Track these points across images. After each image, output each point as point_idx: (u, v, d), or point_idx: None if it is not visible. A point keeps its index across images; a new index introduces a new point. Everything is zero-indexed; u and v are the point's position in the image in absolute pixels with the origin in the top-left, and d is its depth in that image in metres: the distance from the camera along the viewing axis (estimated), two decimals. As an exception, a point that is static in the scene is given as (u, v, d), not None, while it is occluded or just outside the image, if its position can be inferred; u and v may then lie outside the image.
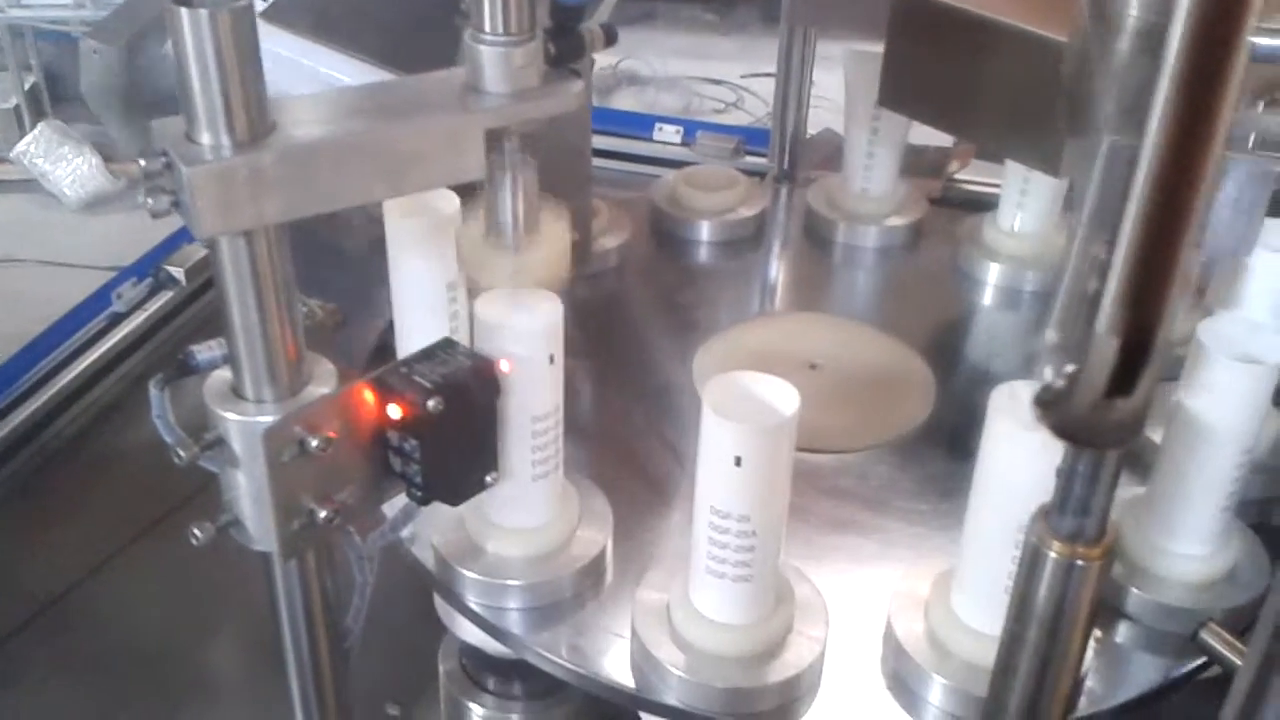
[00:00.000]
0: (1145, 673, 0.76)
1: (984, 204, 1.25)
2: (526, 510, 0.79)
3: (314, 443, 0.62)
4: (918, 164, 1.37)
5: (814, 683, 0.73)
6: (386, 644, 0.90)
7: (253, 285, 0.60)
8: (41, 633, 1.12)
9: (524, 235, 0.70)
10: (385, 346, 0.93)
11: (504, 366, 0.71)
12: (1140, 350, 0.37)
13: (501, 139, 0.66)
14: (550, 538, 0.79)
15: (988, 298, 1.16)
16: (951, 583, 0.74)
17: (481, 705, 0.93)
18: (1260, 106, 0.56)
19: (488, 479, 0.72)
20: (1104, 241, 0.36)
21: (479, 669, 0.94)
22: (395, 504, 0.74)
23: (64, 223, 2.82)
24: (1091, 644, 0.65)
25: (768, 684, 0.71)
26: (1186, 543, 0.77)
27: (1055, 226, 1.15)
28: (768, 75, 1.37)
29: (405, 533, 0.80)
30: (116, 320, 1.39)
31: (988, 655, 0.60)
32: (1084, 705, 0.72)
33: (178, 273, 1.40)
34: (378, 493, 0.69)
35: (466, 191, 0.77)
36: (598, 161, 1.33)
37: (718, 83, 3.34)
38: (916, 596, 0.76)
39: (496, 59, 0.63)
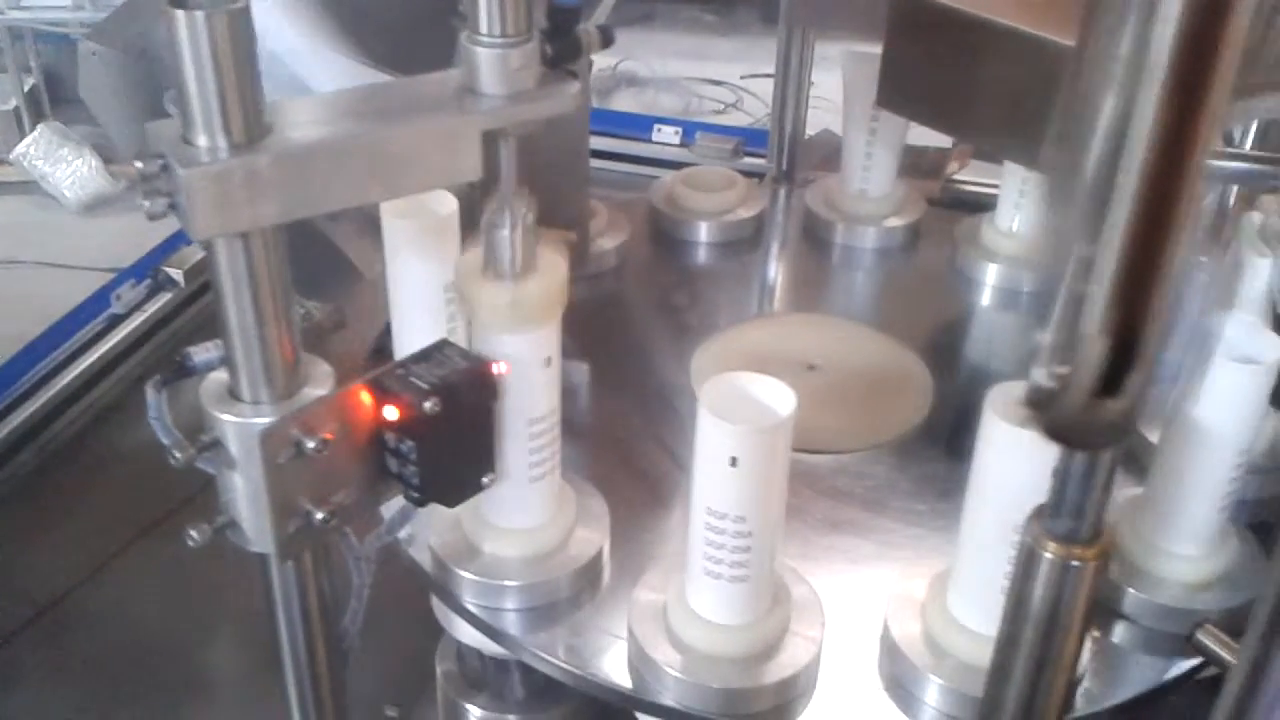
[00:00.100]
0: (1142, 673, 0.76)
1: (982, 205, 1.25)
2: (523, 511, 0.79)
3: (311, 444, 0.62)
4: (916, 165, 1.37)
5: (810, 683, 0.73)
6: (384, 645, 0.90)
7: (249, 287, 0.60)
8: (41, 633, 1.13)
9: (522, 267, 0.70)
10: (383, 348, 0.93)
11: (500, 368, 0.71)
12: (1129, 351, 0.37)
13: (498, 143, 0.66)
14: (547, 538, 0.79)
15: (986, 298, 1.16)
16: (948, 583, 0.74)
17: (479, 706, 0.93)
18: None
19: (484, 480, 0.72)
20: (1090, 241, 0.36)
21: (476, 670, 0.94)
22: (393, 505, 0.74)
23: (64, 224, 2.83)
24: (1088, 644, 0.66)
25: (764, 684, 0.71)
26: (1183, 543, 0.77)
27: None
28: (767, 76, 1.37)
29: (402, 534, 0.80)
30: (115, 322, 1.39)
31: (984, 656, 0.60)
32: (1081, 705, 0.72)
33: (176, 274, 1.40)
34: (375, 494, 0.69)
35: (467, 222, 0.78)
36: (597, 163, 1.34)
37: (717, 84, 3.34)
38: (913, 597, 0.76)
39: (493, 60, 0.63)
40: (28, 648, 1.12)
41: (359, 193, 0.62)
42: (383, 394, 0.65)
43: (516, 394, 0.72)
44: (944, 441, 0.96)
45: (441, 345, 0.69)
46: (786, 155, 1.34)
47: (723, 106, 3.26)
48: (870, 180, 1.23)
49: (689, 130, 1.64)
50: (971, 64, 0.84)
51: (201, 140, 0.56)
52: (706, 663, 0.72)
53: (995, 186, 1.20)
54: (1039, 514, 0.52)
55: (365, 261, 1.04)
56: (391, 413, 0.65)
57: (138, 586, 1.17)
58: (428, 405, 0.64)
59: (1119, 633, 0.78)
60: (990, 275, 1.16)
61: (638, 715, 0.77)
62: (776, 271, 1.26)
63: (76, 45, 1.23)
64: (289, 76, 1.07)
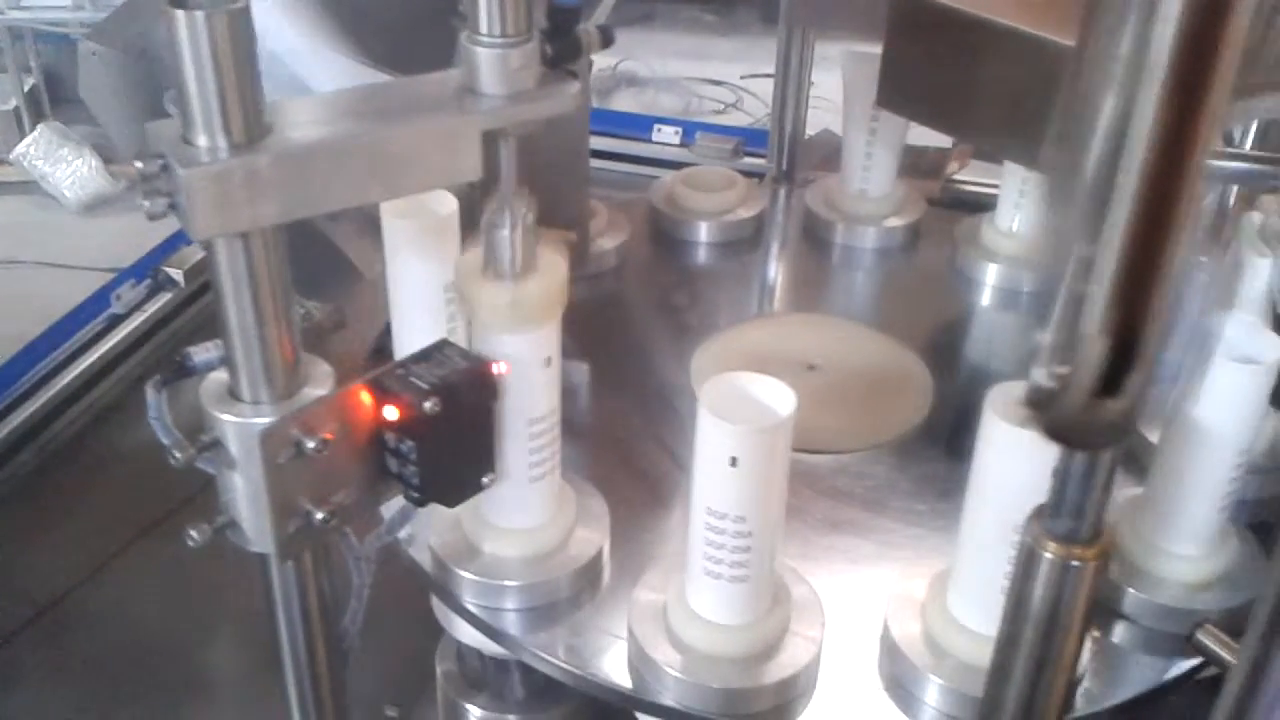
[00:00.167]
0: (1142, 673, 0.76)
1: (982, 205, 1.25)
2: (523, 511, 0.79)
3: (311, 444, 0.62)
4: (916, 165, 1.37)
5: (810, 683, 0.73)
6: (384, 645, 0.90)
7: (249, 287, 0.60)
8: (41, 633, 1.13)
9: (522, 267, 0.70)
10: (384, 348, 0.93)
11: (500, 368, 0.71)
12: (1129, 351, 0.37)
13: (498, 143, 0.66)
14: (547, 538, 0.79)
15: (986, 298, 1.16)
16: (948, 583, 0.74)
17: (479, 707, 0.93)
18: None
19: (484, 480, 0.72)
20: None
21: (476, 670, 0.94)
22: (393, 506, 0.74)
23: (64, 224, 2.83)
24: (1088, 644, 0.65)
25: (764, 684, 0.71)
26: (1183, 543, 0.77)
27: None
28: (767, 76, 1.37)
29: (402, 534, 0.80)
30: (115, 322, 1.39)
31: (984, 656, 0.60)
32: (1081, 705, 0.72)
33: (176, 274, 1.40)
34: (375, 494, 0.69)
35: (467, 222, 0.77)
36: (597, 163, 1.34)
37: (717, 83, 3.34)
38: (913, 597, 0.76)
39: (493, 60, 0.63)
40: (28, 648, 1.12)
41: (359, 193, 0.62)
42: (383, 394, 0.65)
43: (516, 394, 0.72)
44: (944, 441, 0.96)
45: (441, 345, 0.69)
46: (786, 155, 1.34)
47: (723, 106, 3.26)
48: (870, 180, 1.23)
49: (689, 130, 1.64)
50: (971, 64, 0.84)
51: (201, 140, 0.56)
52: (706, 663, 0.72)
53: (995, 186, 1.20)
54: (1039, 514, 0.52)
55: (365, 262, 1.04)
56: (391, 413, 0.65)
57: (138, 586, 1.17)
58: (428, 405, 0.64)
59: (1119, 633, 0.78)
60: (990, 275, 1.16)
61: (638, 715, 0.77)
62: (776, 271, 1.26)
63: (76, 45, 1.23)
64: (289, 76, 1.07)
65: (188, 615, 1.15)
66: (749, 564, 0.69)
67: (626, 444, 0.96)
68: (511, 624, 0.78)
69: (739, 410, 0.66)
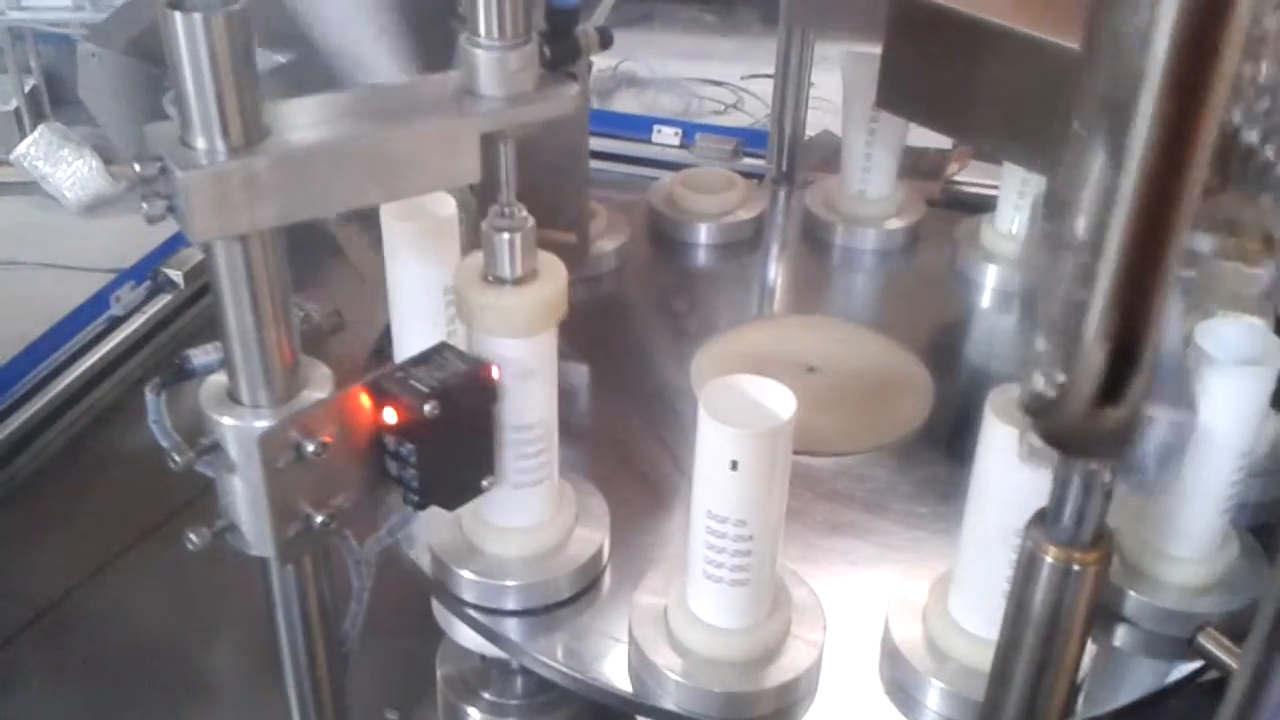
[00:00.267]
0: (1143, 677, 0.76)
1: (982, 206, 1.25)
2: (523, 511, 0.79)
3: (310, 447, 0.62)
4: (916, 166, 1.37)
5: (811, 687, 0.73)
6: (384, 648, 0.90)
7: (248, 289, 0.60)
8: (40, 637, 1.12)
9: (521, 274, 0.70)
10: (383, 351, 0.93)
11: (498, 372, 0.70)
12: (1129, 358, 0.37)
13: (497, 145, 0.66)
14: (547, 538, 0.79)
15: (986, 300, 1.16)
16: (949, 586, 0.74)
17: (479, 710, 0.92)
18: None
19: (484, 483, 0.72)
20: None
21: (477, 673, 0.94)
22: (392, 508, 0.74)
23: (64, 225, 2.83)
24: (1089, 648, 0.65)
25: (765, 688, 0.71)
26: (1185, 546, 0.77)
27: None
28: (767, 76, 1.37)
29: (401, 536, 0.80)
30: (115, 324, 1.38)
31: (985, 659, 0.60)
32: (1081, 709, 0.72)
33: (176, 276, 1.40)
34: (374, 497, 0.69)
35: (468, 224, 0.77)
36: (597, 164, 1.34)
37: (717, 84, 3.34)
38: (914, 600, 0.76)
39: (492, 63, 0.63)
40: (28, 649, 1.11)
41: (358, 195, 0.62)
42: (382, 397, 0.65)
43: (515, 398, 0.72)
44: (945, 444, 0.95)
45: (441, 348, 0.69)
46: (786, 156, 1.34)
47: (723, 107, 3.26)
48: (870, 181, 1.23)
49: (689, 131, 1.64)
50: (971, 65, 0.84)
51: (200, 142, 0.56)
52: (707, 666, 0.72)
53: (995, 188, 1.20)
54: (1039, 518, 0.52)
55: (371, 268, 1.04)
56: (391, 416, 0.65)
57: (138, 588, 1.16)
58: (427, 408, 0.64)
59: (1120, 636, 0.78)
60: (990, 277, 1.16)
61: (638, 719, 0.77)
62: (776, 273, 1.26)
63: (77, 46, 1.23)
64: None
65: (188, 617, 1.15)
66: (750, 567, 0.69)
67: (626, 446, 0.95)
68: (512, 628, 0.78)
69: (739, 413, 0.66)
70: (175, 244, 1.44)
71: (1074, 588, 0.52)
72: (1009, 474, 0.66)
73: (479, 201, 0.72)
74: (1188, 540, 0.77)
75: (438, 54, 0.92)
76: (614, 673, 0.75)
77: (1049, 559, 0.52)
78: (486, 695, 0.93)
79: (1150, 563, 0.78)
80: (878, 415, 0.99)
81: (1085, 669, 0.71)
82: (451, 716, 0.94)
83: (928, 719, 0.72)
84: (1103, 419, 0.38)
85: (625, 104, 3.24)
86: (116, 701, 1.09)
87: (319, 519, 0.64)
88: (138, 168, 0.56)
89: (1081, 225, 0.37)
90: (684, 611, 0.73)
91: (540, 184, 0.71)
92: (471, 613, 0.79)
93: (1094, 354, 0.37)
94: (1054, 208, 0.47)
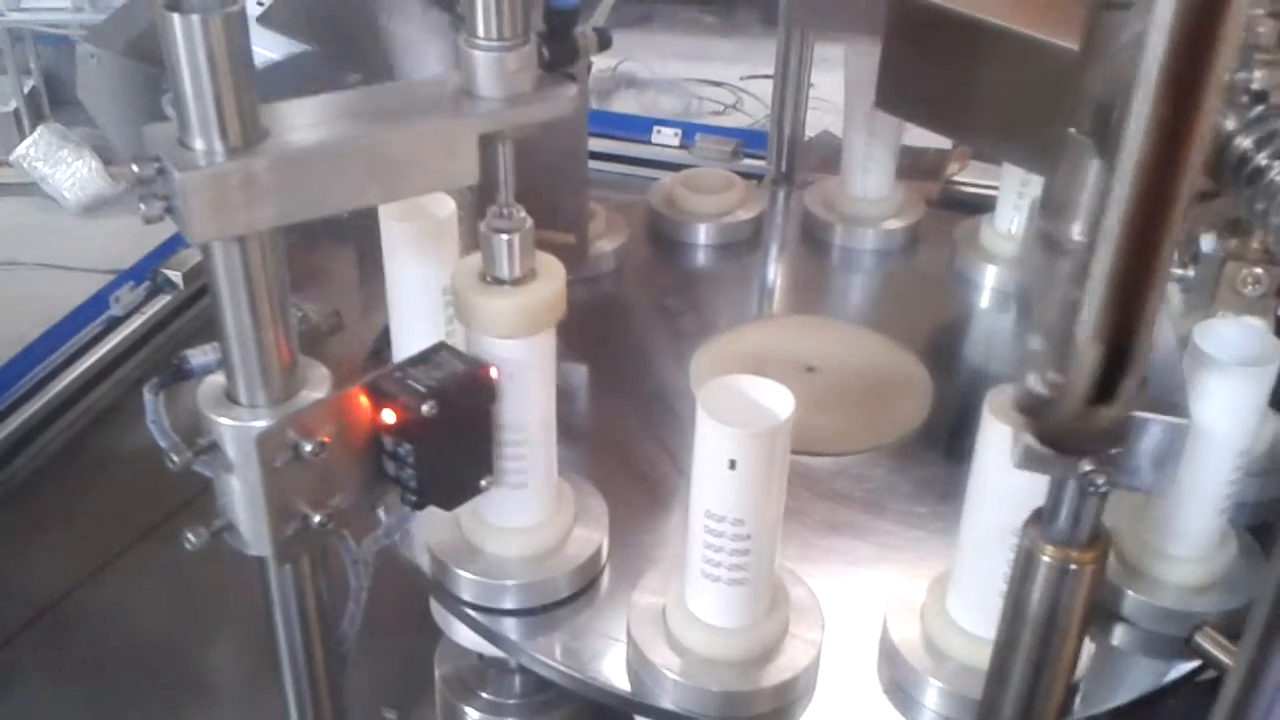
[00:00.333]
0: (1141, 676, 0.75)
1: (981, 206, 1.25)
2: (522, 510, 0.79)
3: (308, 448, 0.62)
4: (915, 166, 1.37)
5: (809, 686, 0.73)
6: (382, 648, 0.90)
7: (246, 290, 0.60)
8: (39, 637, 1.12)
9: (520, 275, 0.70)
10: (382, 351, 0.93)
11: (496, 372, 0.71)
12: (1122, 358, 0.37)
13: (496, 146, 0.66)
14: (546, 537, 0.79)
15: (985, 300, 1.16)
16: (948, 586, 0.74)
17: (477, 709, 0.92)
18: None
19: (482, 483, 0.72)
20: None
21: (475, 672, 0.94)
22: (390, 508, 0.74)
23: (63, 226, 2.83)
24: (1087, 647, 0.65)
25: (763, 687, 0.71)
26: (1182, 546, 0.77)
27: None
28: (767, 77, 1.37)
29: (399, 535, 0.80)
30: (114, 324, 1.38)
31: (984, 659, 0.60)
32: (1079, 708, 0.72)
33: (175, 276, 1.40)
34: (372, 497, 0.69)
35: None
36: (597, 165, 1.34)
37: (717, 85, 3.34)
38: (912, 599, 0.76)
39: (490, 64, 0.63)
40: (27, 650, 1.11)
41: (356, 196, 0.62)
42: (380, 397, 0.65)
43: (514, 398, 0.72)
44: (943, 443, 0.95)
45: (439, 348, 0.69)
46: (786, 157, 1.34)
47: (723, 108, 3.26)
48: (870, 180, 1.23)
49: (688, 132, 1.64)
50: (970, 66, 0.84)
51: (198, 144, 0.56)
52: (705, 666, 0.72)
53: (994, 188, 1.20)
54: (1036, 517, 0.52)
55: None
56: (389, 416, 0.65)
57: (137, 588, 1.16)
58: (425, 408, 0.64)
59: (1118, 635, 0.78)
60: (989, 277, 1.16)
61: (636, 719, 0.77)
62: (775, 273, 1.26)
63: (76, 47, 1.23)
64: None
65: (188, 617, 1.15)
66: (748, 567, 0.69)
67: (625, 446, 0.95)
68: (510, 627, 0.78)
69: (738, 413, 0.66)
70: (174, 245, 1.44)
71: (1071, 587, 0.52)
72: (1007, 474, 0.66)
73: (478, 202, 0.72)
74: (1186, 539, 0.77)
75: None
76: (612, 672, 0.75)
77: (1046, 558, 0.52)
78: (485, 694, 0.93)
79: (1148, 562, 0.78)
80: (876, 415, 0.99)
81: (1083, 668, 0.71)
82: (450, 716, 0.94)
83: (926, 718, 0.72)
84: (1096, 418, 0.38)
85: (625, 105, 3.24)
86: (116, 701, 1.09)
87: (317, 519, 0.64)
88: (136, 169, 0.56)
89: (1077, 228, 0.37)
90: (682, 611, 0.73)
91: (539, 185, 0.71)
92: (470, 612, 0.79)
93: (1087, 353, 0.37)
94: (1051, 210, 0.47)
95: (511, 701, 0.92)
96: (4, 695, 1.08)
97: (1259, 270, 0.78)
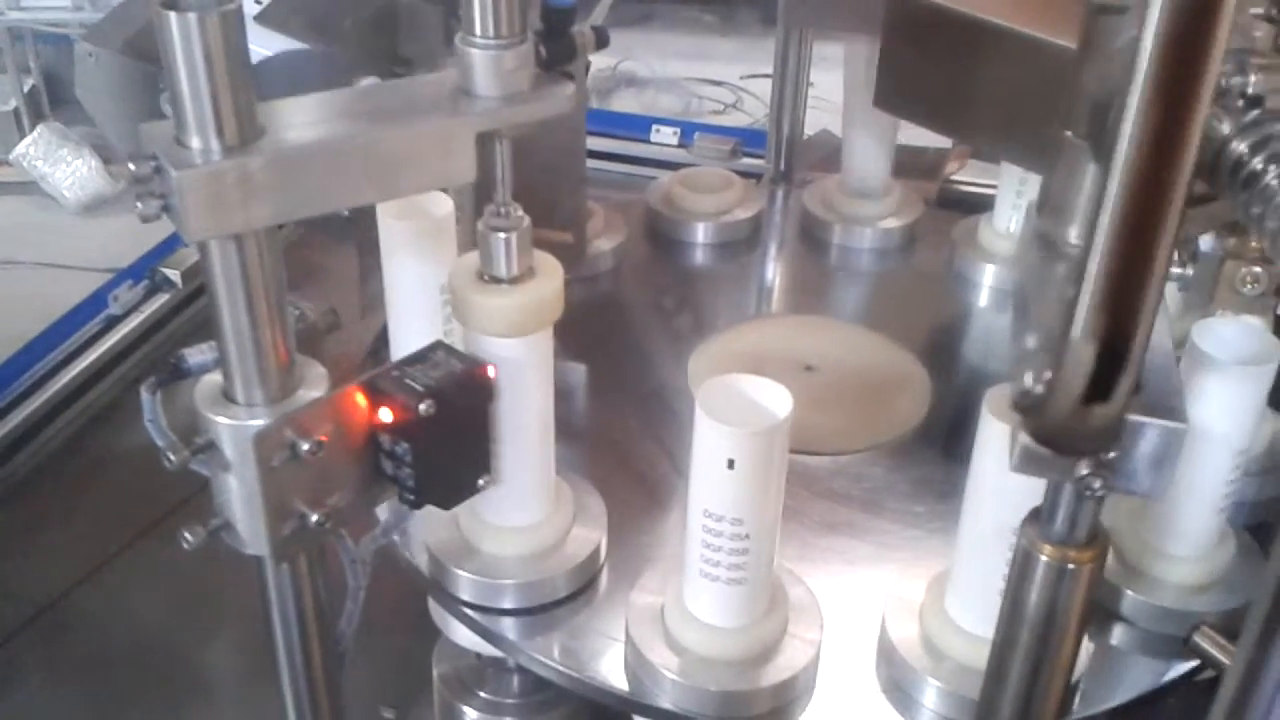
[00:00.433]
0: (1140, 676, 0.75)
1: (980, 205, 1.25)
2: (520, 510, 0.79)
3: (305, 446, 0.62)
4: (914, 165, 1.37)
5: (808, 686, 0.73)
6: (380, 647, 0.90)
7: (243, 289, 0.60)
8: (37, 636, 1.12)
9: (517, 274, 0.70)
10: (381, 350, 0.93)
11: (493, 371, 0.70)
12: (1117, 356, 0.37)
13: (493, 145, 0.66)
14: (544, 536, 0.79)
15: (984, 299, 1.16)
16: (946, 585, 0.74)
17: (475, 709, 0.92)
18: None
19: (480, 483, 0.72)
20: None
21: (473, 672, 0.94)
22: (388, 507, 0.74)
23: (63, 225, 2.83)
24: (1085, 647, 0.65)
25: (762, 687, 0.71)
26: (1181, 545, 0.77)
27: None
28: (767, 76, 1.37)
29: (397, 535, 0.80)
30: (113, 323, 1.38)
31: (982, 658, 0.60)
32: (1078, 707, 0.72)
33: (174, 275, 1.39)
34: (370, 496, 0.68)
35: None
36: (595, 163, 1.33)
37: (717, 84, 3.34)
38: (911, 599, 0.76)
39: (487, 62, 0.63)
40: (27, 648, 1.11)
41: (353, 194, 0.62)
42: (377, 396, 0.65)
43: (511, 397, 0.72)
44: (942, 443, 0.95)
45: (436, 347, 0.69)
46: (784, 156, 1.34)
47: (722, 107, 3.26)
48: (869, 173, 1.23)
49: (687, 131, 1.64)
50: (969, 65, 0.84)
51: (194, 142, 0.56)
52: (704, 665, 0.72)
53: (993, 187, 1.20)
54: (1034, 517, 0.52)
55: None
56: (386, 415, 0.65)
57: (136, 587, 1.16)
58: (422, 407, 0.64)
59: (1116, 635, 0.77)
60: (987, 276, 1.16)
61: (634, 718, 0.77)
62: (774, 272, 1.26)
63: (74, 46, 1.23)
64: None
65: (187, 616, 1.15)
66: (746, 566, 0.69)
67: (624, 446, 0.95)
68: (508, 627, 0.78)
69: (736, 412, 0.66)
70: (173, 243, 1.43)
71: (1069, 586, 0.52)
72: (1006, 473, 0.65)
73: (476, 201, 0.72)
74: (1185, 539, 0.77)
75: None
76: (611, 672, 0.75)
77: (1044, 557, 0.52)
78: (483, 694, 0.92)
79: (1147, 561, 0.78)
80: (875, 414, 0.99)
81: (1081, 667, 0.71)
82: (448, 715, 0.94)
83: (924, 717, 0.72)
84: (1091, 417, 0.38)
85: (625, 103, 3.24)
86: (115, 700, 1.09)
87: (314, 518, 0.64)
88: (132, 167, 0.56)
89: (1074, 230, 0.37)
90: (681, 610, 0.73)
91: (537, 183, 0.71)
92: (468, 611, 0.79)
93: (1082, 352, 0.37)
94: (1047, 210, 0.47)
95: (509, 701, 0.92)
96: (4, 694, 1.08)
97: (1258, 269, 0.78)
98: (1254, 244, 0.79)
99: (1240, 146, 0.45)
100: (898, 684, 0.74)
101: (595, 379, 1.01)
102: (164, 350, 1.38)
